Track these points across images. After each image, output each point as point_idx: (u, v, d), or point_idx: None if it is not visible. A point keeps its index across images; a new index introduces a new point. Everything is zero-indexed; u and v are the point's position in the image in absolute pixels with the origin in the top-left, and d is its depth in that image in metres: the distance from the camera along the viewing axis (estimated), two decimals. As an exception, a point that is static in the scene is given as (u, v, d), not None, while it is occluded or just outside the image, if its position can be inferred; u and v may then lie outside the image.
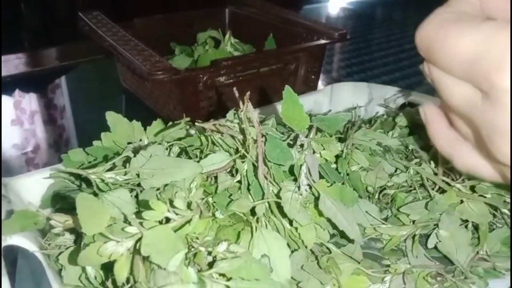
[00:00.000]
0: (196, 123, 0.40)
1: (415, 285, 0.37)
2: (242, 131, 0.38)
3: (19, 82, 1.05)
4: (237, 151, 0.38)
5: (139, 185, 0.36)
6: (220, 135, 0.39)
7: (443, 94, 0.26)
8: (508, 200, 0.40)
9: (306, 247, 0.36)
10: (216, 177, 0.37)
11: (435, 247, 0.39)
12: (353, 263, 0.37)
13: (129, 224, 0.30)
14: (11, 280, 0.33)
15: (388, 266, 0.38)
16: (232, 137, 0.38)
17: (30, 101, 1.10)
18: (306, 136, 0.39)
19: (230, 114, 0.40)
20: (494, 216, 0.40)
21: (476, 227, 0.41)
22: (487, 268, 0.39)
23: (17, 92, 1.06)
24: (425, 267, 0.38)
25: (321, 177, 0.38)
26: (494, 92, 0.22)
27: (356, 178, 0.42)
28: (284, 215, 0.35)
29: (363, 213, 0.39)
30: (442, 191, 0.41)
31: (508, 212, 0.40)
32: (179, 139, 0.43)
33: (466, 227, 0.40)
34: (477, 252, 0.39)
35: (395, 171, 0.45)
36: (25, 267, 0.41)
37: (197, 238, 0.31)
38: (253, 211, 0.35)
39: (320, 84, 0.86)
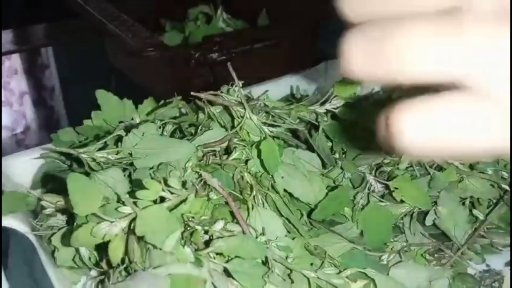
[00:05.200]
0: (192, 93, 0.39)
1: (413, 262, 0.36)
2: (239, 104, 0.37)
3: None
4: (232, 126, 0.37)
5: (131, 164, 0.35)
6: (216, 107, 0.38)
7: None
8: (505, 175, 0.40)
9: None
10: (212, 156, 0.36)
11: (433, 224, 0.39)
12: (348, 242, 0.36)
13: (123, 204, 0.29)
14: (3, 263, 0.32)
15: (385, 244, 0.38)
16: (227, 109, 0.37)
17: (19, 82, 1.07)
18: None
19: (224, 90, 0.39)
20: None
21: (473, 203, 0.40)
22: (485, 244, 0.39)
23: (5, 72, 1.03)
24: (422, 245, 0.38)
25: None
26: None
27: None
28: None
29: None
30: (440, 168, 0.41)
31: (507, 188, 0.39)
32: (173, 118, 0.42)
33: (463, 204, 0.40)
34: (475, 229, 0.38)
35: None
36: (17, 250, 0.40)
37: (193, 218, 0.30)
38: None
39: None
